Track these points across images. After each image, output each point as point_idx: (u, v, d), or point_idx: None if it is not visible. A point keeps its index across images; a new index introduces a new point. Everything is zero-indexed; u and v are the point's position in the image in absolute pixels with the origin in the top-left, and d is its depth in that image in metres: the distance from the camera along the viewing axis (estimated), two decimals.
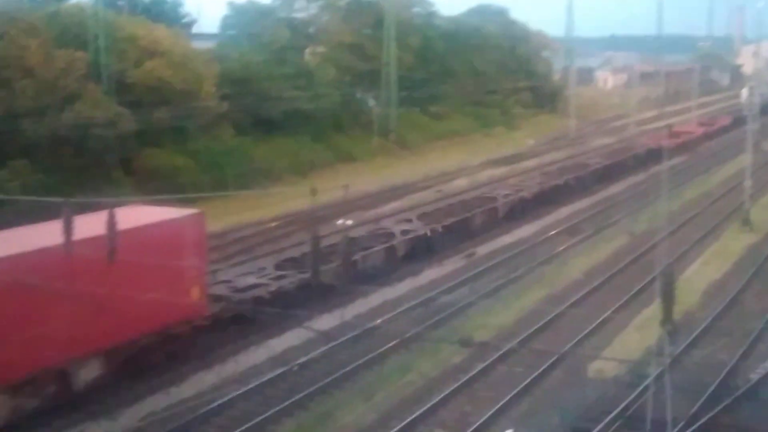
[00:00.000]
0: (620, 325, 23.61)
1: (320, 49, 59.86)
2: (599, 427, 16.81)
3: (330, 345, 21.55)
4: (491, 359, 20.52)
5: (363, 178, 44.15)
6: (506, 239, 34.40)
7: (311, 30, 62.12)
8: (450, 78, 68.17)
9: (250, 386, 19.24)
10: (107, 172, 36.46)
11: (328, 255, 23.86)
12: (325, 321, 23.24)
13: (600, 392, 19.04)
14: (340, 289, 24.23)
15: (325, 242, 27.85)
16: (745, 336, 22.53)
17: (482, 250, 32.45)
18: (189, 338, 20.66)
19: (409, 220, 33.06)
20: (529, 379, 19.51)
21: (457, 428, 17.30)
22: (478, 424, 17.30)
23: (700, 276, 28.65)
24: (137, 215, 19.68)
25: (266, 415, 17.70)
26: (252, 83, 47.70)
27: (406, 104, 60.70)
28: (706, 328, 23.20)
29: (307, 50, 59.29)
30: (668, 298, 19.24)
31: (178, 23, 53.67)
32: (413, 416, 17.65)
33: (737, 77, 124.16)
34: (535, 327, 23.10)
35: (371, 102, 58.99)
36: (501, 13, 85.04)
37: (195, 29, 57.81)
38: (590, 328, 22.91)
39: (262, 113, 47.25)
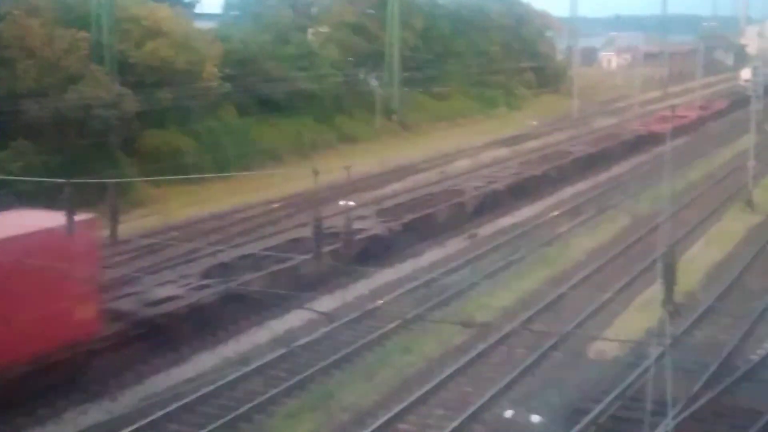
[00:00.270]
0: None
1: (323, 29, 59.62)
2: (599, 407, 16.87)
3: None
4: None
5: (365, 159, 44.09)
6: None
7: (314, 10, 61.88)
8: (453, 58, 67.92)
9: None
10: (109, 153, 36.43)
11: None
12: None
13: (600, 373, 19.10)
14: (266, 302, 22.20)
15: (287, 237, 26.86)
16: (746, 317, 22.57)
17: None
18: (75, 365, 17.74)
19: (366, 218, 29.37)
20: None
21: (458, 409, 17.36)
22: (478, 404, 17.35)
23: (701, 257, 28.63)
24: (9, 223, 17.52)
25: None
26: (254, 64, 47.57)
27: (409, 85, 60.50)
28: (707, 309, 23.24)
29: (310, 30, 59.07)
30: (669, 279, 19.36)
31: (181, 3, 53.40)
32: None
33: (741, 57, 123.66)
34: None
35: (374, 82, 58.79)
36: None
37: (198, 9, 57.52)
38: None
39: (265, 94, 47.11)
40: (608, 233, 32.07)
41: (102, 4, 39.88)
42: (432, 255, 29.01)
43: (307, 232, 24.04)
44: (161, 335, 20.06)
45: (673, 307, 21.14)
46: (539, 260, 28.24)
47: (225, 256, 25.12)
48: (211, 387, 18.13)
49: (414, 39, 62.20)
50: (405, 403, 17.50)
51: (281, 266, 24.05)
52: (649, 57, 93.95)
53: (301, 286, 23.15)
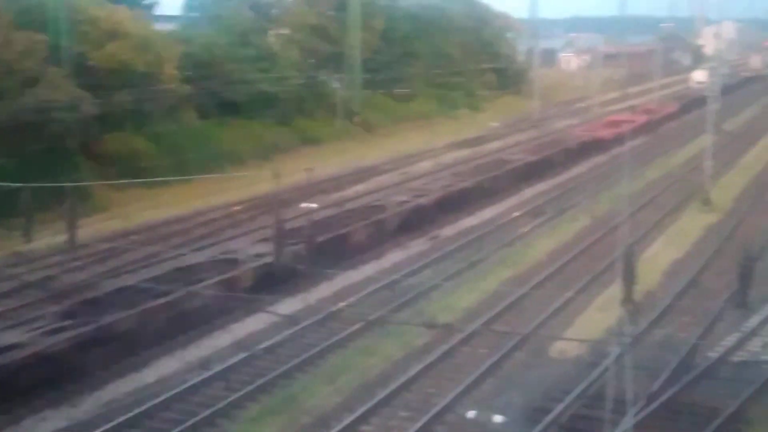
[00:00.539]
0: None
1: (284, 31, 59.45)
2: (561, 406, 17.02)
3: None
4: None
5: (327, 161, 44.05)
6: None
7: (274, 12, 61.63)
8: (414, 60, 68.07)
9: None
10: (68, 156, 36.04)
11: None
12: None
13: (562, 372, 19.25)
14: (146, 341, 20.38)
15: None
16: (705, 315, 22.86)
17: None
18: None
19: (267, 240, 25.68)
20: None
21: (421, 410, 17.40)
22: (441, 405, 17.42)
23: (660, 256, 28.95)
24: None
25: None
26: (215, 66, 47.33)
27: (371, 87, 60.53)
28: (666, 307, 23.50)
29: (271, 32, 58.89)
30: (629, 278, 19.50)
31: (140, 5, 52.95)
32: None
33: (698, 58, 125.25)
34: None
35: (335, 84, 58.75)
36: None
37: (157, 11, 57.05)
38: None
39: (226, 96, 46.89)
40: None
41: (60, 5, 39.47)
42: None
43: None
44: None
45: (632, 306, 21.32)
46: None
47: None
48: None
49: (375, 41, 62.26)
50: (368, 405, 17.53)
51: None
52: (609, 58, 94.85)
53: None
